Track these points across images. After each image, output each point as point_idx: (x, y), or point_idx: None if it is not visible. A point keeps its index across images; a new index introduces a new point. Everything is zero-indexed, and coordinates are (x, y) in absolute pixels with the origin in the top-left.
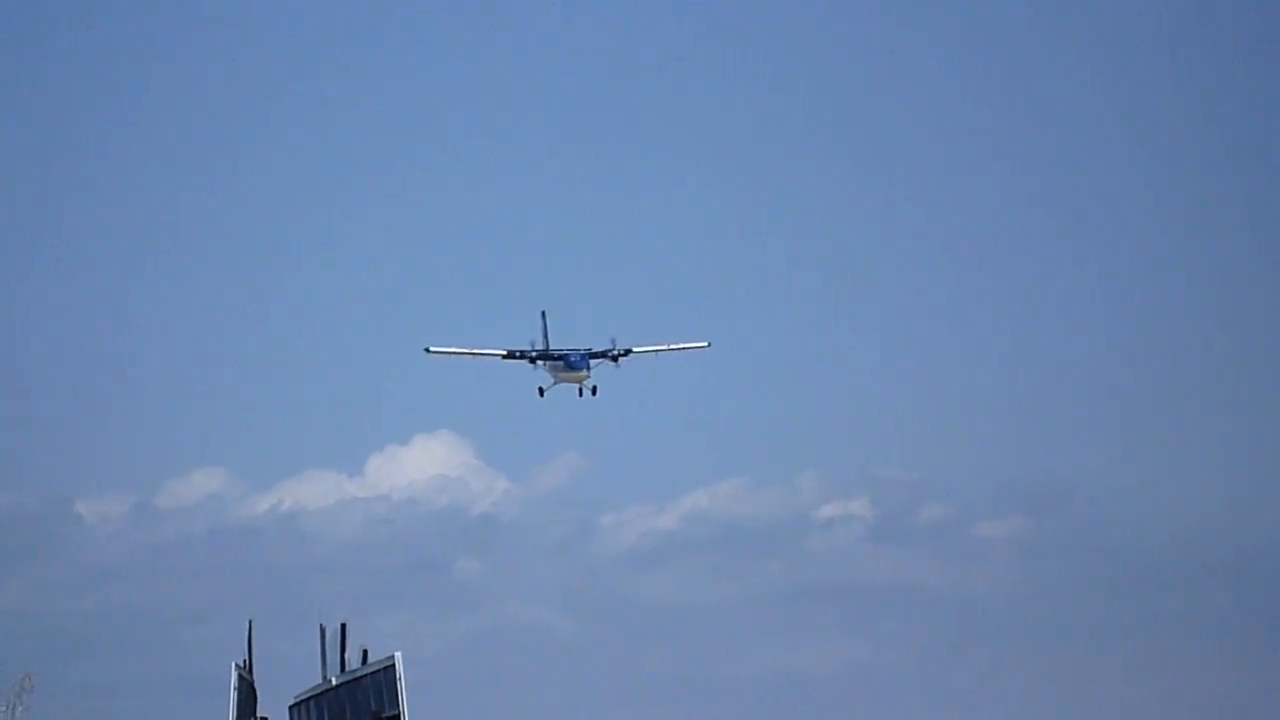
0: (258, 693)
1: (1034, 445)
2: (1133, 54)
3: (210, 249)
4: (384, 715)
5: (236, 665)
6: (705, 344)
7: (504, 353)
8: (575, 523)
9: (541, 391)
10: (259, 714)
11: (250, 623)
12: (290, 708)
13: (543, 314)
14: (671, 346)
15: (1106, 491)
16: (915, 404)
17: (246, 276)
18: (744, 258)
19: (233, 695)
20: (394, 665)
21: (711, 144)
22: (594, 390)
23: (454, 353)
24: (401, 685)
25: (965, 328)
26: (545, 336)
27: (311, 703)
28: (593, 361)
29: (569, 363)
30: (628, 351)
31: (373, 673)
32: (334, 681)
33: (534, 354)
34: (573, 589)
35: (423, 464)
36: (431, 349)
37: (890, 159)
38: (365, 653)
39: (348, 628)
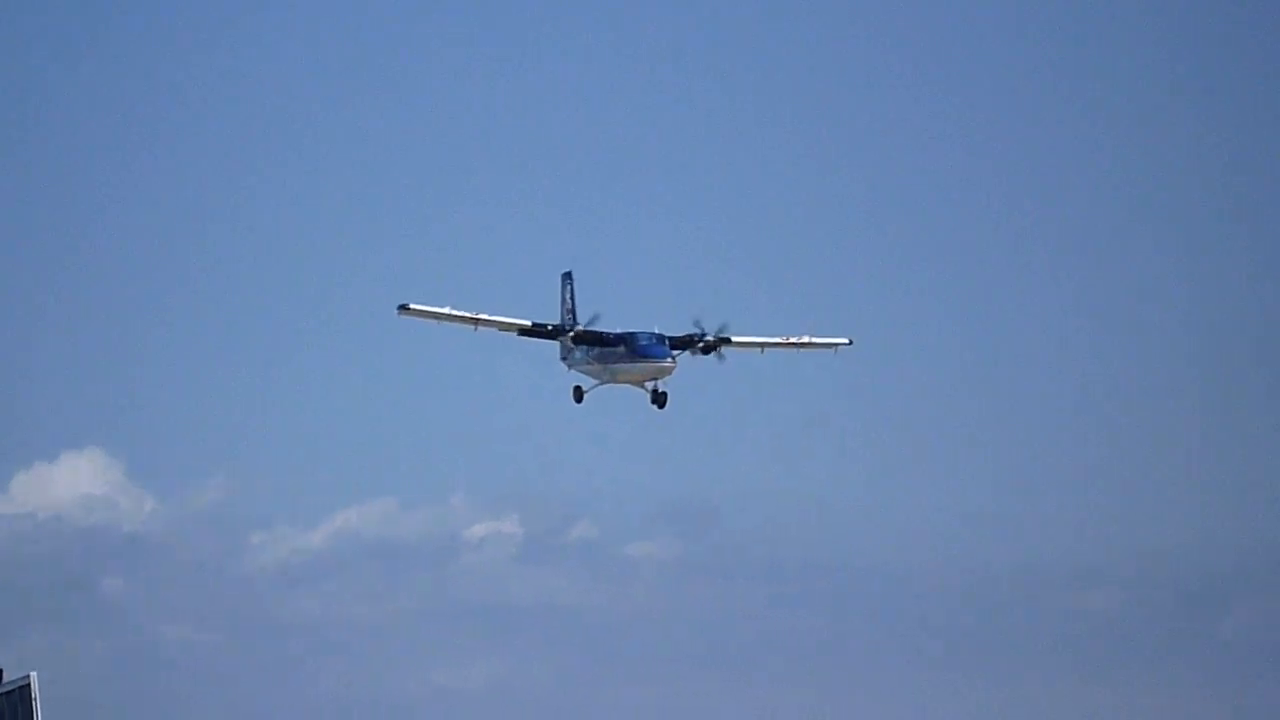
0: None
1: (683, 466)
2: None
3: None
4: None
5: None
6: (847, 341)
7: (527, 325)
8: (224, 541)
9: (580, 395)
10: None
11: None
12: None
13: (567, 276)
14: (792, 340)
15: (754, 511)
16: (567, 430)
17: None
18: None
19: None
20: (29, 685)
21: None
22: (664, 399)
23: (435, 314)
24: (36, 705)
25: None
26: (572, 308)
27: None
28: (676, 351)
29: (637, 348)
30: (725, 340)
31: (7, 693)
32: None
33: (572, 330)
34: (220, 607)
35: (70, 482)
36: (410, 306)
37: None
38: (0, 672)
39: None
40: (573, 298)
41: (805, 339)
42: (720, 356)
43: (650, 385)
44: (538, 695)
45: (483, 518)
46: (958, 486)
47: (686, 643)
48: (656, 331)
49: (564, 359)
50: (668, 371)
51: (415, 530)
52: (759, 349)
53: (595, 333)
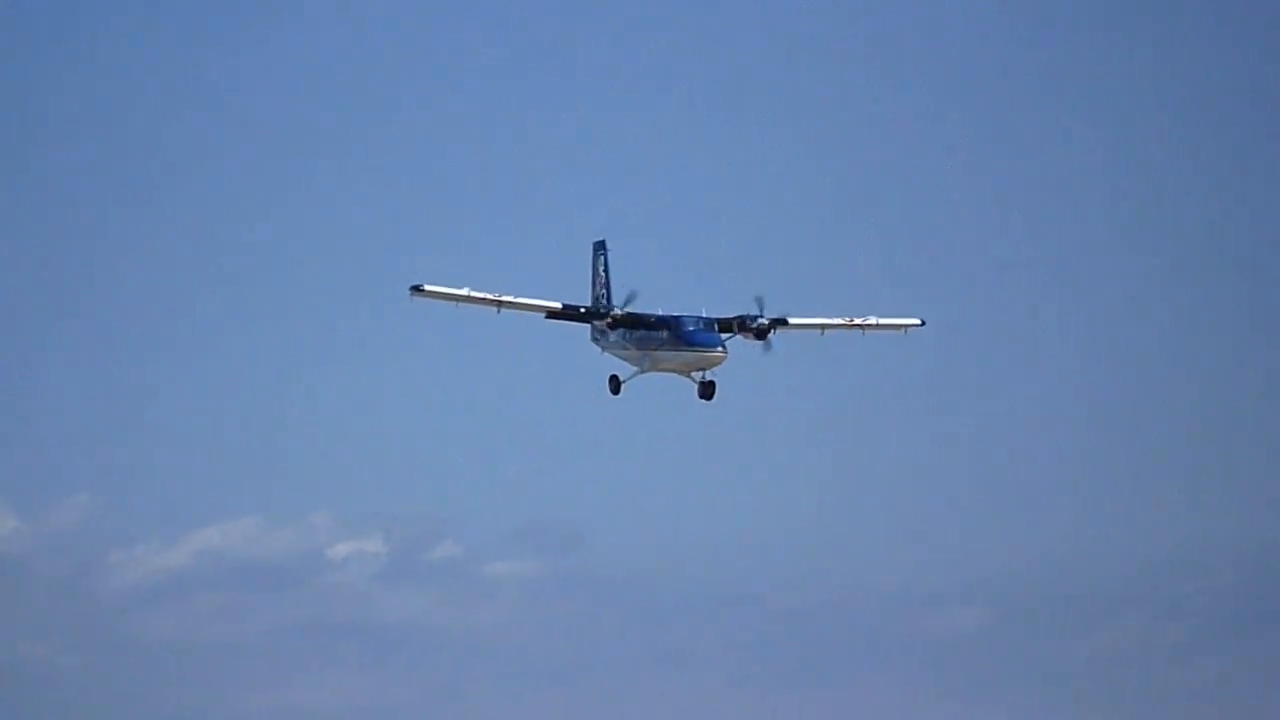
0: None
1: (546, 486)
2: None
3: None
4: None
5: None
6: (919, 321)
7: (557, 307)
8: (83, 560)
9: (617, 385)
10: None
11: None
12: None
13: (599, 246)
14: (856, 321)
15: (616, 531)
16: (431, 442)
17: None
18: None
19: None
20: None
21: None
22: (712, 390)
23: (454, 296)
24: None
25: None
26: (606, 283)
27: None
28: (725, 335)
29: (683, 334)
30: (782, 322)
31: None
32: None
33: (609, 314)
34: (79, 626)
35: None
36: (424, 288)
37: None
38: None
39: None
40: (606, 271)
41: (871, 320)
42: (769, 346)
43: (697, 376)
44: (401, 715)
45: (346, 536)
46: (824, 503)
47: (549, 661)
48: (704, 315)
49: (595, 340)
50: (718, 361)
51: (278, 549)
52: (819, 330)
53: (635, 315)
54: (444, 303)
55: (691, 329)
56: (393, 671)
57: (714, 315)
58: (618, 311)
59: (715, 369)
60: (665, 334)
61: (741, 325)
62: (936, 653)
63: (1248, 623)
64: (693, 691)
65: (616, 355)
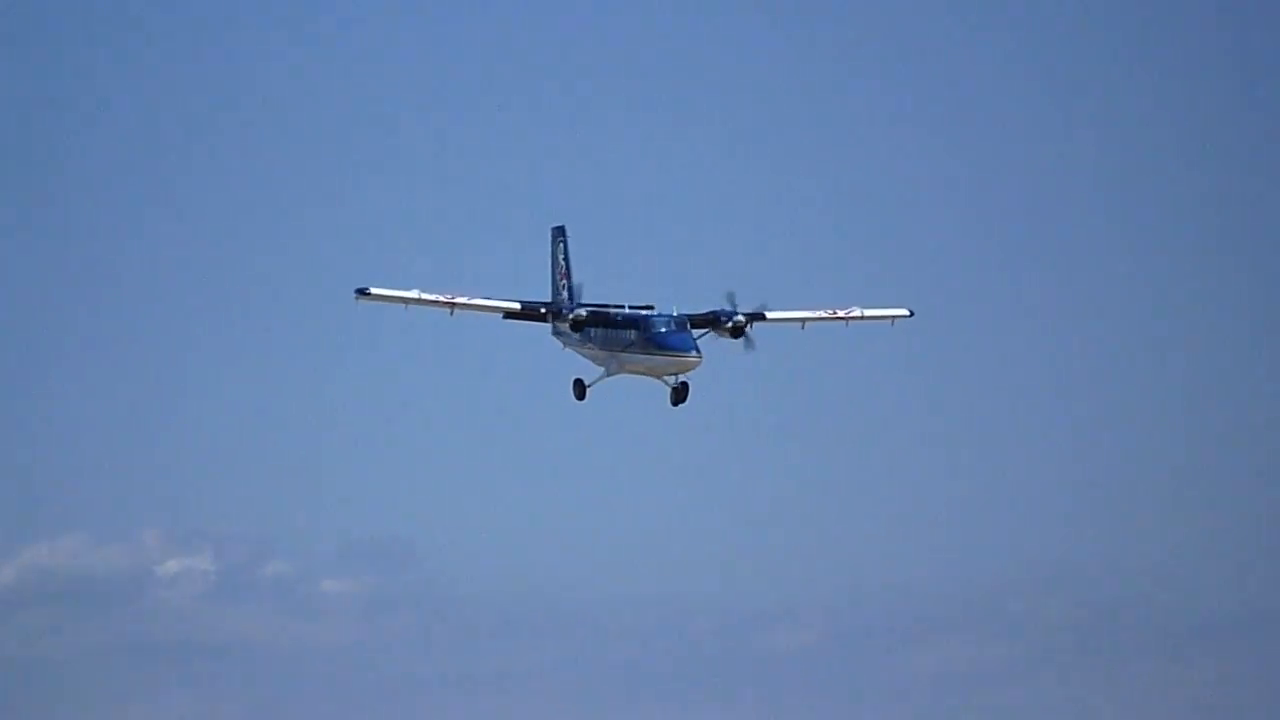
0: None
1: (380, 502)
2: None
3: None
4: None
5: None
6: (906, 312)
7: (514, 307)
8: None
9: (582, 390)
10: None
11: None
12: None
13: (559, 232)
14: (840, 314)
15: (450, 548)
16: (257, 462)
17: None
18: None
19: None
20: None
21: None
22: (684, 394)
23: (402, 299)
24: None
25: None
26: (567, 273)
27: None
28: (698, 332)
29: (653, 336)
30: (759, 316)
31: None
32: None
33: (576, 312)
34: None
35: None
36: (370, 291)
37: None
38: None
39: None
40: (567, 260)
41: (856, 311)
42: (750, 342)
43: (670, 380)
44: None
45: (175, 554)
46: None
47: (381, 680)
48: (676, 313)
49: (556, 334)
50: (691, 367)
51: (106, 566)
52: (799, 325)
53: (600, 313)
54: (392, 305)
55: (663, 330)
56: (222, 690)
57: (686, 311)
58: (581, 312)
59: (688, 373)
60: (633, 335)
61: (715, 322)
62: (772, 671)
63: (1088, 642)
64: (521, 711)
65: (580, 353)
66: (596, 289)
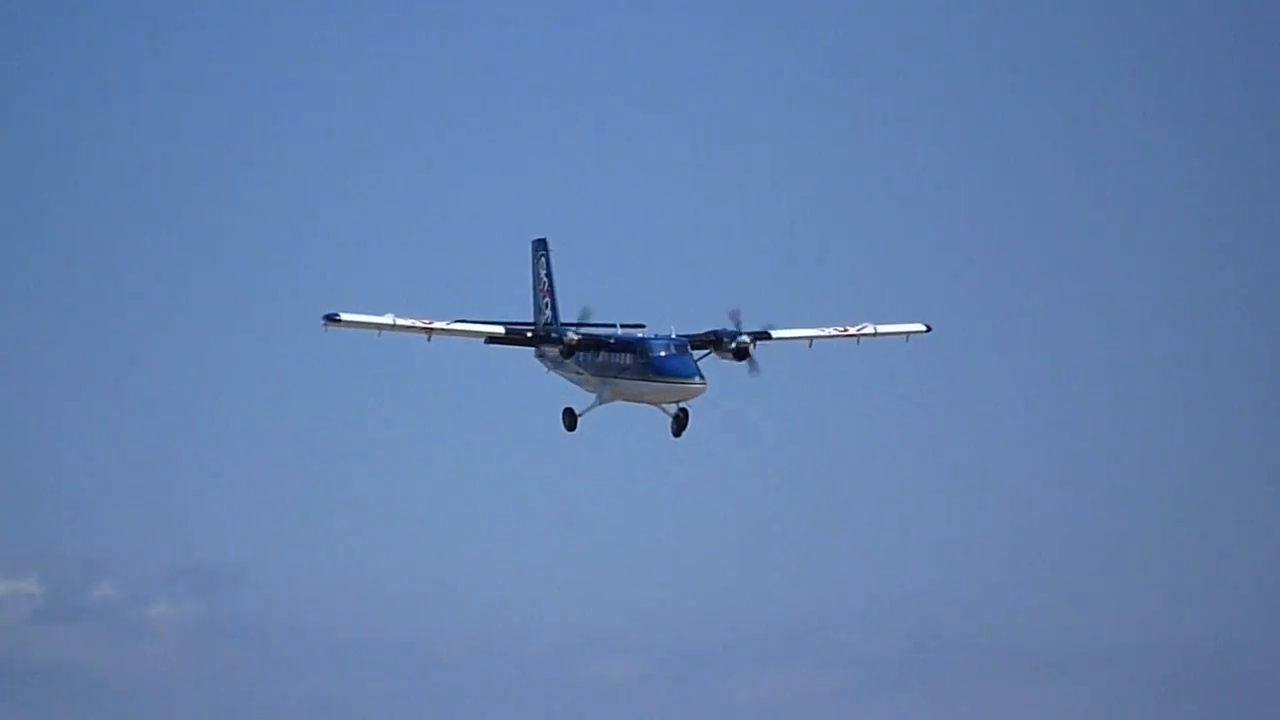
0: None
1: (208, 527)
2: None
3: None
4: None
5: None
6: (923, 328)
7: (498, 331)
8: None
9: (572, 421)
10: None
11: None
12: None
13: (540, 245)
14: (851, 331)
15: (279, 574)
16: (93, 485)
17: None
18: None
19: None
20: None
21: None
22: (684, 423)
23: (375, 324)
24: None
25: None
26: (549, 289)
27: None
28: (698, 354)
29: (653, 362)
30: (764, 336)
31: None
32: None
33: (566, 336)
34: None
35: None
36: (340, 317)
37: None
38: None
39: None
40: (549, 275)
41: (869, 328)
42: (754, 365)
43: (670, 408)
44: None
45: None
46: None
47: (207, 706)
48: (674, 336)
49: (541, 358)
50: (695, 394)
51: None
52: (806, 343)
53: (593, 336)
54: (363, 332)
55: (663, 354)
56: (46, 715)
57: (682, 331)
58: (573, 336)
59: (691, 400)
60: (630, 360)
61: (718, 344)
62: (592, 701)
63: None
64: None
65: (568, 378)
66: (582, 307)
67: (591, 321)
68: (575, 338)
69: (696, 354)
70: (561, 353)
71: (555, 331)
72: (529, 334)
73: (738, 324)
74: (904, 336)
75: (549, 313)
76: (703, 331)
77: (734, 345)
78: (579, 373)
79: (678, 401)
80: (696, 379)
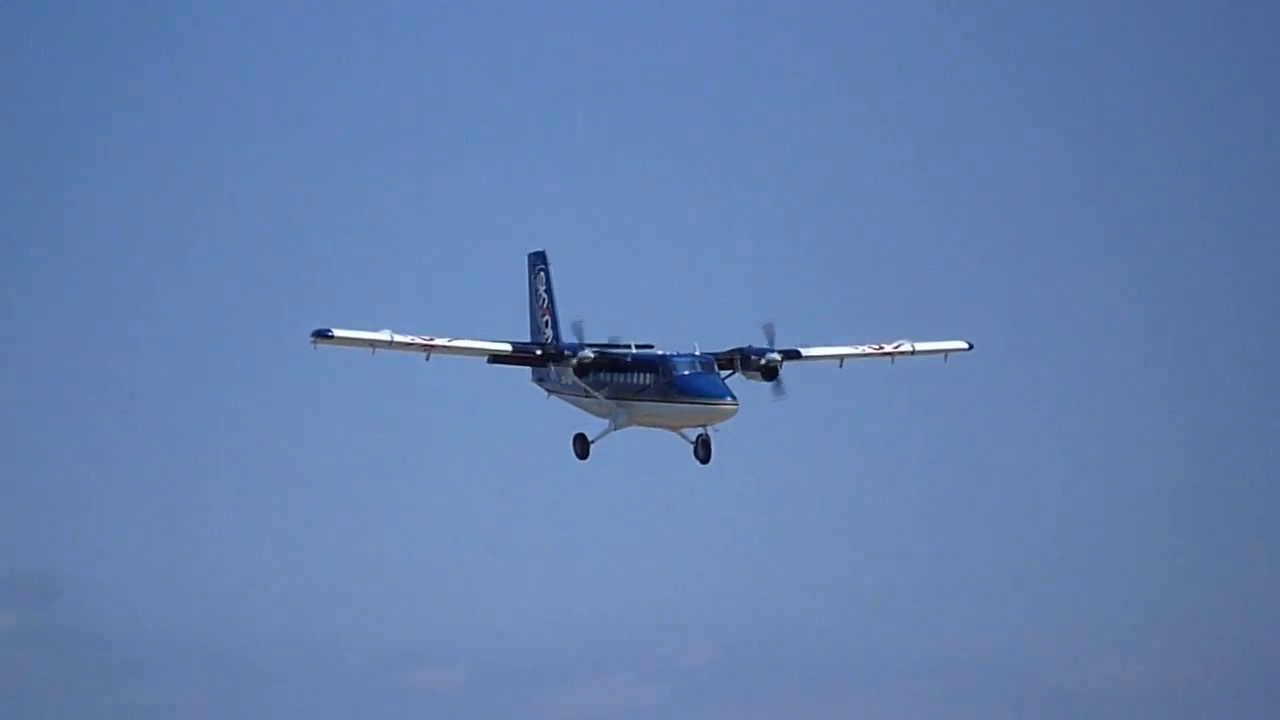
0: None
1: (23, 537)
2: None
3: None
4: None
5: None
6: (965, 345)
7: (504, 349)
8: None
9: (584, 448)
10: None
11: None
12: None
13: (538, 259)
14: (887, 349)
15: (98, 584)
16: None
17: None
18: None
19: None
20: None
21: None
22: (709, 449)
23: (370, 341)
24: None
25: None
26: (549, 306)
27: None
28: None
29: (677, 381)
30: (794, 354)
31: None
32: None
33: (581, 354)
34: None
35: None
36: (333, 333)
37: None
38: None
39: None
40: (549, 290)
41: (905, 346)
42: (780, 387)
43: (691, 433)
44: None
45: None
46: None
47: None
48: (698, 353)
49: (541, 380)
50: (726, 416)
51: None
52: (836, 363)
53: (609, 355)
54: (355, 349)
55: (688, 373)
56: None
57: (706, 350)
58: (587, 353)
59: (721, 424)
60: (651, 379)
61: (745, 362)
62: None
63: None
64: None
65: (573, 403)
66: (573, 321)
67: (597, 343)
68: (591, 355)
69: (724, 373)
70: (575, 371)
71: (568, 349)
72: (538, 351)
73: (770, 340)
74: (943, 355)
75: (549, 331)
76: (726, 350)
77: (764, 363)
78: (591, 395)
79: (705, 425)
80: (728, 399)
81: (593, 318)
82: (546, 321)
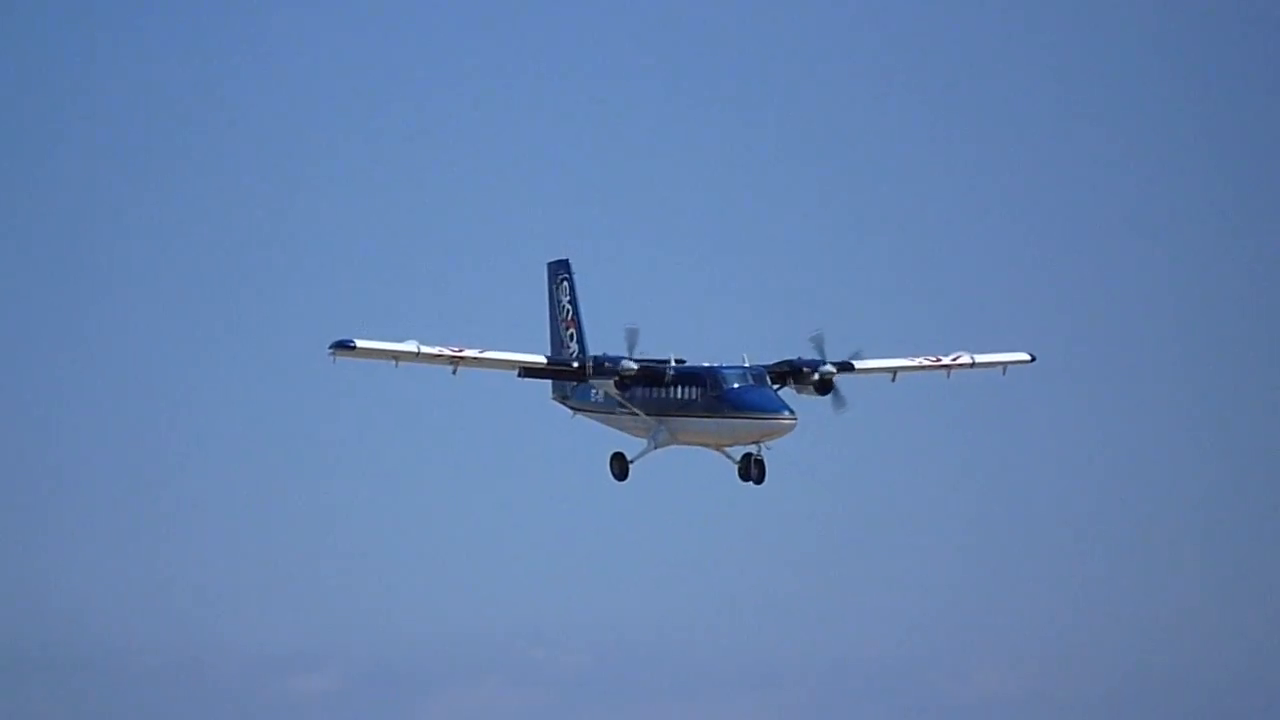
0: None
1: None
2: None
3: None
4: None
5: None
6: (1027, 357)
7: (538, 361)
8: None
9: (623, 468)
10: None
11: None
12: None
13: (560, 267)
14: (944, 361)
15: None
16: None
17: None
18: None
19: None
20: None
21: None
22: (762, 470)
23: (394, 353)
24: None
25: None
26: (573, 318)
27: None
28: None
29: (728, 393)
30: (847, 367)
31: None
32: None
33: (623, 365)
34: None
35: None
36: (355, 344)
37: None
38: None
39: None
40: (573, 302)
41: (965, 358)
42: (840, 400)
43: (737, 452)
44: None
45: None
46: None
47: None
48: (747, 364)
49: (565, 398)
50: (784, 431)
51: None
52: (890, 375)
53: (650, 367)
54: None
55: (739, 386)
56: None
57: (754, 363)
58: (631, 365)
59: (779, 439)
60: (698, 393)
61: (796, 375)
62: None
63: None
64: None
65: (604, 421)
66: (605, 338)
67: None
68: (635, 367)
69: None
70: (616, 385)
71: (608, 360)
72: (575, 363)
73: (821, 352)
74: (1002, 367)
75: (574, 345)
76: (775, 361)
77: (817, 376)
78: (631, 411)
79: (759, 441)
80: (786, 414)
81: (620, 331)
82: (571, 334)
